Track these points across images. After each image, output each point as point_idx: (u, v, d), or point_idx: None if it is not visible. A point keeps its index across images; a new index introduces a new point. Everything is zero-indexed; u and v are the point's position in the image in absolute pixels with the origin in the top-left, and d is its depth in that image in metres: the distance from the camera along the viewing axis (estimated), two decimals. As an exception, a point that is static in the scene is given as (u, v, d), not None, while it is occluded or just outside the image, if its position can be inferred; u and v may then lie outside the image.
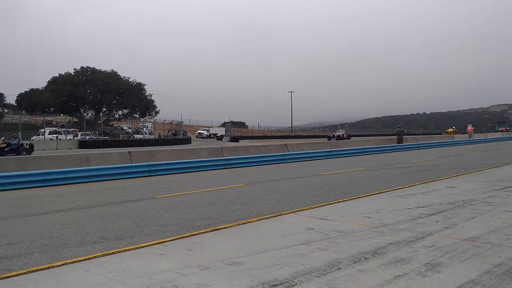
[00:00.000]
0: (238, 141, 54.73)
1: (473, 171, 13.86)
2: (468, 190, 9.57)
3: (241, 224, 6.80)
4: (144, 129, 62.25)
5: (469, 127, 41.58)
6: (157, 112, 70.87)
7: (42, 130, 46.88)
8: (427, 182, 11.34)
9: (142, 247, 5.53)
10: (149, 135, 58.02)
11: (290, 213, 7.58)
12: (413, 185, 10.75)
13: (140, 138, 52.45)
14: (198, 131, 78.84)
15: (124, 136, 54.76)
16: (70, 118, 62.11)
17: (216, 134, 73.63)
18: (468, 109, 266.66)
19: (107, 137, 51.10)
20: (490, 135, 47.11)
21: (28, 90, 65.25)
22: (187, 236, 6.03)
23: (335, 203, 8.54)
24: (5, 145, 24.16)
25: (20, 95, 66.28)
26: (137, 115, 69.39)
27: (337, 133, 64.35)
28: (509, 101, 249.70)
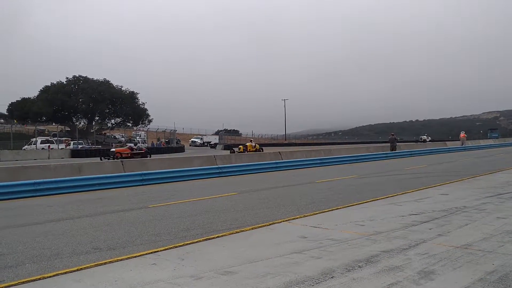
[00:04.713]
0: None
1: (465, 178, 13.95)
2: (461, 197, 9.62)
3: (235, 233, 6.77)
4: (137, 137, 62.07)
5: (462, 134, 42.10)
6: (150, 121, 70.69)
7: (34, 139, 46.62)
8: (420, 189, 11.39)
9: (135, 257, 5.48)
10: (142, 144, 57.81)
11: (283, 221, 7.56)
12: (406, 193, 10.78)
13: (133, 146, 52.19)
14: (192, 139, 78.72)
15: (117, 145, 54.53)
16: (63, 127, 61.72)
17: (210, 142, 73.43)
18: (461, 116, 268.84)
19: (100, 146, 50.90)
20: (482, 142, 47.60)
21: (20, 99, 64.81)
22: (180, 246, 5.99)
23: (329, 211, 8.54)
24: None
25: (12, 104, 65.79)
26: (130, 124, 69.15)
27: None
28: (501, 108, 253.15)
